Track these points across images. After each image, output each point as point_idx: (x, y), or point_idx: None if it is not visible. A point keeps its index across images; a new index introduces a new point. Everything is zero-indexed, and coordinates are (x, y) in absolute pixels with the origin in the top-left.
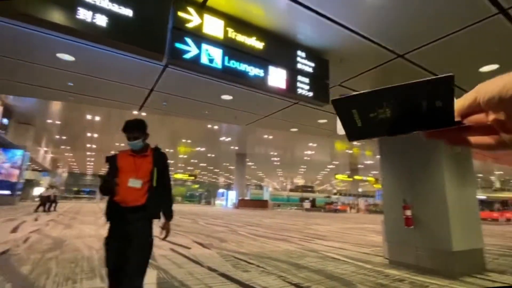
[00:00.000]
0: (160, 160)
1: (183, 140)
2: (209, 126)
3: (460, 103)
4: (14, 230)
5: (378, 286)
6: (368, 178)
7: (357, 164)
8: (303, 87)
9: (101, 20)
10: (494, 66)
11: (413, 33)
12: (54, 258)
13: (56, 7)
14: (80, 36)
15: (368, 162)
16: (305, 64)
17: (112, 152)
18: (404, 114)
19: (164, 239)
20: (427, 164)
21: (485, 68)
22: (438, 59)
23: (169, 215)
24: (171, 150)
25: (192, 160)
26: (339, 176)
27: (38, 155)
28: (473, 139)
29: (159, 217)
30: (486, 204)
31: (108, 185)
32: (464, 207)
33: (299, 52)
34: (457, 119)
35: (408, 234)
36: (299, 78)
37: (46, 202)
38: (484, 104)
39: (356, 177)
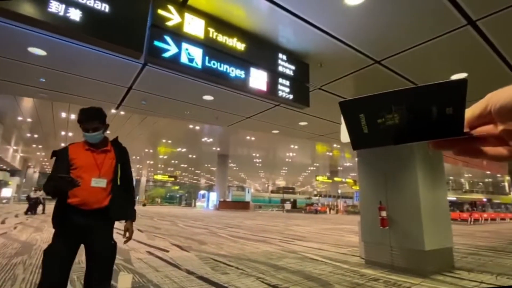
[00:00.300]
0: (122, 155)
1: (164, 141)
2: (191, 126)
3: (469, 112)
4: None
5: (354, 286)
6: (347, 180)
7: (337, 166)
8: (284, 90)
9: (75, 15)
10: (463, 74)
11: (389, 40)
12: (21, 263)
13: None
14: (52, 30)
15: (348, 164)
16: (286, 67)
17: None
18: (413, 121)
19: (126, 242)
20: (402, 167)
21: (456, 76)
22: (413, 66)
23: (132, 215)
24: (151, 151)
25: (172, 161)
26: (320, 178)
27: (7, 154)
28: (489, 150)
29: (124, 219)
30: (456, 205)
31: (67, 185)
32: (435, 208)
33: (280, 55)
34: (465, 129)
35: (383, 235)
36: (280, 80)
37: (34, 205)
38: (495, 112)
39: (336, 178)
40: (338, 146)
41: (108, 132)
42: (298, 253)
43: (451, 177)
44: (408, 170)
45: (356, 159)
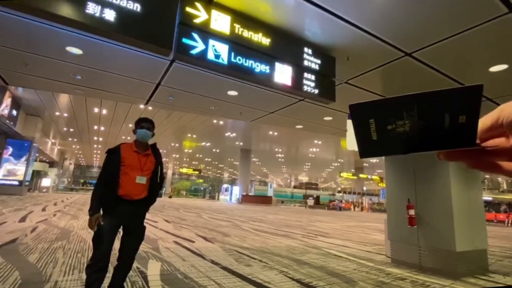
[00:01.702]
0: (159, 158)
1: (189, 135)
2: (215, 121)
3: (480, 124)
4: (22, 219)
5: (379, 284)
6: (373, 177)
7: (363, 163)
8: (309, 84)
9: (110, 15)
10: (503, 66)
11: (421, 31)
12: (60, 247)
13: (65, 1)
14: (89, 30)
15: (374, 160)
16: (311, 61)
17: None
18: (425, 129)
19: None
20: (432, 164)
21: (495, 68)
22: (447, 58)
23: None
24: (177, 145)
25: (197, 155)
26: (344, 174)
27: (46, 147)
28: (505, 164)
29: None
30: (492, 206)
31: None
32: (469, 208)
33: (305, 49)
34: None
35: (411, 234)
36: (305, 75)
37: None
38: (507, 125)
39: (361, 175)
40: None
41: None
42: (321, 249)
43: (487, 176)
44: (439, 167)
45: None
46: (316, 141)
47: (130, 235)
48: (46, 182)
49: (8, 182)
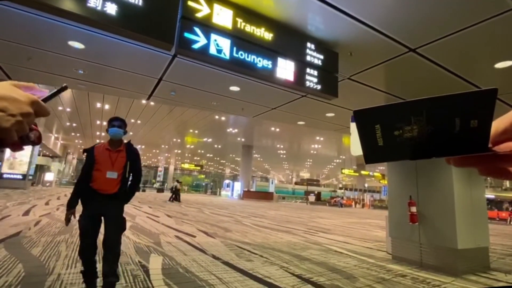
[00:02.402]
0: (132, 154)
1: (190, 131)
2: (216, 117)
3: (493, 128)
4: (26, 213)
5: (380, 280)
6: (375, 174)
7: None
8: (312, 80)
9: (111, 8)
10: (509, 63)
11: (426, 26)
12: (63, 241)
13: None
14: (90, 24)
15: None
16: (314, 56)
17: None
18: (433, 134)
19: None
20: (435, 161)
21: (501, 64)
22: (451, 54)
23: (128, 201)
24: (179, 140)
25: (199, 151)
26: (346, 171)
27: (49, 142)
28: None
29: (127, 202)
30: (494, 204)
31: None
32: (471, 205)
33: (308, 44)
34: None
35: (412, 231)
36: (308, 70)
37: (175, 193)
38: None
39: (363, 172)
40: None
41: (139, 122)
42: (322, 245)
43: None
44: (442, 164)
45: None
46: (318, 138)
47: (107, 224)
48: (49, 176)
49: (12, 176)
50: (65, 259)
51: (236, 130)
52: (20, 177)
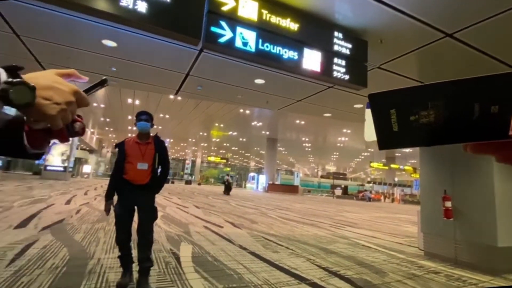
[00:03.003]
0: (160, 146)
1: (216, 124)
2: (241, 110)
3: None
4: (68, 202)
5: (410, 276)
6: (406, 167)
7: (395, 152)
8: (339, 70)
9: (142, 6)
10: None
11: (465, 10)
12: (101, 228)
13: None
14: (123, 22)
15: (407, 150)
16: (342, 45)
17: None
18: (451, 119)
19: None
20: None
21: None
22: (493, 38)
23: (158, 191)
24: (205, 134)
25: (224, 144)
26: (374, 164)
27: (86, 136)
28: None
29: (158, 192)
30: None
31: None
32: None
33: (336, 33)
34: (510, 132)
35: (446, 226)
36: (335, 60)
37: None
38: None
39: (393, 165)
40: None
41: (167, 116)
42: (349, 239)
43: None
44: (480, 157)
45: None
46: (345, 130)
47: (140, 213)
48: (86, 168)
49: (54, 168)
50: (103, 245)
51: (260, 124)
52: (62, 169)
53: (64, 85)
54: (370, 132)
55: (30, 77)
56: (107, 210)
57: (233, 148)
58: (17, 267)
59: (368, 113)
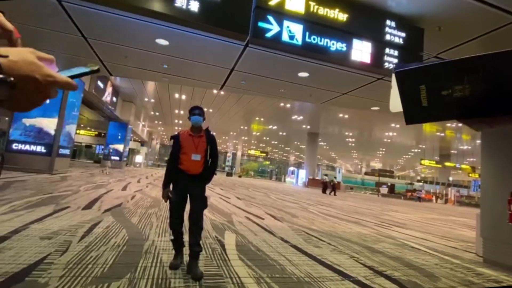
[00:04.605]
0: (210, 139)
1: (257, 118)
2: (282, 104)
3: None
4: (124, 188)
5: (467, 284)
6: (463, 166)
7: (450, 149)
8: (391, 61)
9: (194, 6)
10: None
11: None
12: (154, 213)
13: None
14: (178, 22)
15: (464, 147)
16: (394, 34)
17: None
18: (487, 92)
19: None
20: None
21: None
22: None
23: (209, 181)
24: (245, 128)
25: (264, 138)
26: (426, 162)
27: (138, 129)
28: None
29: (208, 183)
30: None
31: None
32: None
33: (388, 22)
34: None
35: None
36: (387, 50)
37: (326, 185)
38: None
39: (447, 163)
40: (453, 125)
41: (210, 110)
42: (396, 239)
43: None
44: None
45: (479, 141)
46: (393, 125)
47: (192, 201)
48: (138, 158)
49: (112, 158)
50: (156, 228)
51: (301, 117)
52: (118, 158)
53: (43, 73)
54: (396, 102)
55: (10, 59)
56: (165, 197)
57: (273, 142)
58: (87, 243)
59: (394, 82)
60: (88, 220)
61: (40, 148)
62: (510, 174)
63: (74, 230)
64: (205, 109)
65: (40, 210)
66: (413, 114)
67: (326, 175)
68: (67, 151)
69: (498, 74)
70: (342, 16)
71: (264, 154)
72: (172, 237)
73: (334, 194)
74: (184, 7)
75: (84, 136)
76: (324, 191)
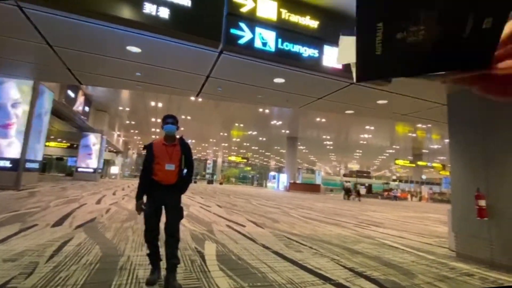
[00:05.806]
0: (185, 148)
1: (236, 124)
2: (260, 110)
3: (506, 30)
4: (98, 202)
5: (442, 279)
6: (434, 164)
7: (421, 149)
8: None
9: (164, 12)
10: None
11: None
12: (130, 227)
13: (124, 3)
14: (147, 29)
15: (435, 146)
16: None
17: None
18: (441, 38)
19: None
20: (510, 146)
21: None
22: None
23: (185, 191)
24: (225, 134)
25: (244, 143)
26: (400, 162)
27: (112, 139)
28: None
29: (184, 192)
30: None
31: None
32: None
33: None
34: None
35: (480, 226)
36: None
37: (348, 192)
38: None
39: (420, 162)
40: (424, 126)
41: (189, 117)
42: (374, 239)
43: None
44: None
45: (447, 140)
46: (367, 127)
47: (168, 213)
48: (114, 169)
49: (85, 170)
50: (132, 243)
51: (280, 122)
52: (92, 170)
53: None
54: (345, 53)
55: None
56: (139, 210)
57: (253, 147)
58: (56, 263)
59: (343, 39)
60: (57, 238)
61: (4, 163)
62: (477, 171)
63: (41, 249)
64: (183, 117)
65: (4, 229)
66: (366, 65)
67: (348, 181)
68: (35, 165)
69: (453, 12)
70: (313, 23)
71: (245, 160)
72: (148, 251)
73: (359, 200)
74: (154, 13)
75: (54, 148)
76: (348, 197)
